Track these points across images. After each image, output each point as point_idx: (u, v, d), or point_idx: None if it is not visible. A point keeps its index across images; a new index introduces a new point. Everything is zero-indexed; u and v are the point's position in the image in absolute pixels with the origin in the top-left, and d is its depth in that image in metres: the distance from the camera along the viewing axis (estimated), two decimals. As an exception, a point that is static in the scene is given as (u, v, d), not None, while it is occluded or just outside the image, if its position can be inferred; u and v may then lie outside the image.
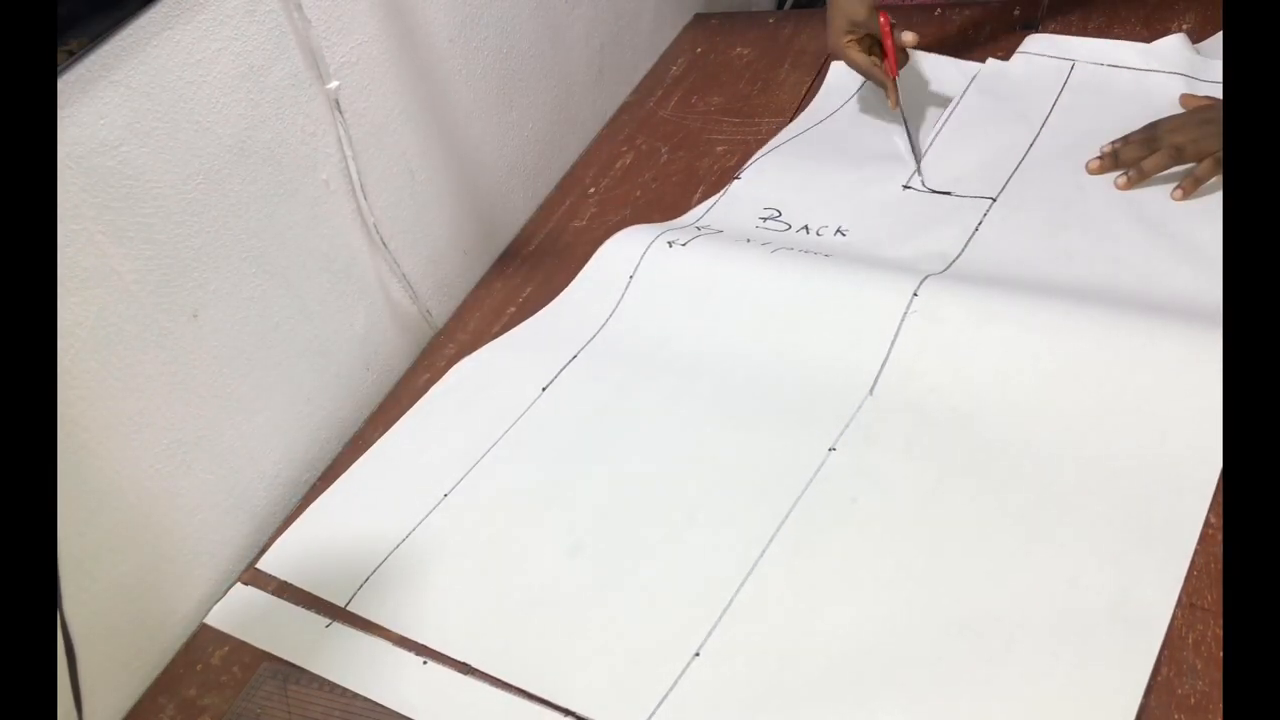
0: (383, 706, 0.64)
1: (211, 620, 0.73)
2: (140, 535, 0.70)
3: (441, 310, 0.96)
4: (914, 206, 0.91)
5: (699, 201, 1.00)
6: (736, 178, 1.01)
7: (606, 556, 0.69)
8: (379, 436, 0.85)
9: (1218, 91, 0.90)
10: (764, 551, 0.66)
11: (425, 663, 0.65)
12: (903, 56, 0.94)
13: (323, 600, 0.71)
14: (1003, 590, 0.60)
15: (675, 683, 0.60)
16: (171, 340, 0.70)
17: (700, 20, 1.32)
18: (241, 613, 0.73)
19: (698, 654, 0.61)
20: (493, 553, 0.71)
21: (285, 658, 0.69)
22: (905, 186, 0.93)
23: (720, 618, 0.63)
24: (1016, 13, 1.12)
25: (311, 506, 0.78)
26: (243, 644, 0.71)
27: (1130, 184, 0.83)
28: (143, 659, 0.71)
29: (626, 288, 0.89)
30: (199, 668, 0.71)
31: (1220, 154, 0.79)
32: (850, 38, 0.94)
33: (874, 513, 0.67)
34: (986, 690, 0.56)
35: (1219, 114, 0.82)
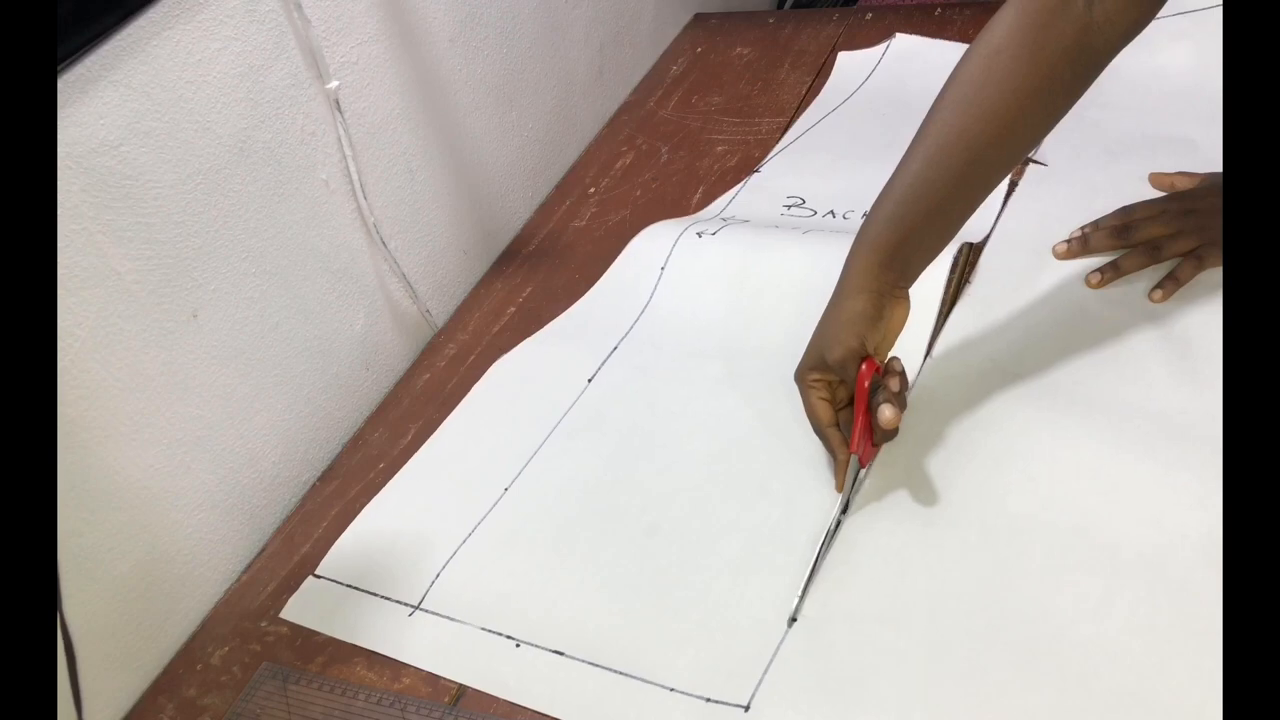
0: (384, 706, 0.64)
1: (287, 614, 0.72)
2: (140, 535, 0.70)
3: (441, 310, 0.96)
4: None
5: (699, 202, 1.00)
6: (756, 171, 1.01)
7: (685, 535, 0.69)
8: (379, 436, 0.85)
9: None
10: (841, 517, 0.66)
11: (518, 645, 0.65)
12: (878, 436, 0.65)
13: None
14: (1100, 528, 0.62)
15: (776, 651, 0.60)
16: (171, 340, 0.70)
17: (700, 20, 1.32)
18: (318, 605, 0.72)
19: (794, 619, 0.62)
20: (566, 541, 0.71)
21: (371, 648, 0.68)
22: None
23: (807, 584, 0.63)
24: (1016, 13, 1.11)
25: (363, 511, 0.77)
26: (243, 644, 0.71)
27: (1104, 282, 0.76)
28: (143, 659, 0.71)
29: (659, 279, 0.89)
30: (199, 668, 0.71)
31: (1202, 250, 0.73)
32: (817, 376, 0.67)
33: (950, 473, 0.67)
34: (1102, 625, 0.57)
35: (1201, 201, 0.76)
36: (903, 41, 1.12)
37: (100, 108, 0.63)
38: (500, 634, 0.66)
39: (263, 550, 0.78)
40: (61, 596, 0.56)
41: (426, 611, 0.69)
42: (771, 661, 0.60)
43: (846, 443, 0.66)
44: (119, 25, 0.64)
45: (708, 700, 0.59)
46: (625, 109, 1.20)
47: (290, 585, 0.74)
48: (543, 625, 0.66)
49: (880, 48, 1.13)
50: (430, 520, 0.75)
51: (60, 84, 0.60)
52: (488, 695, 0.63)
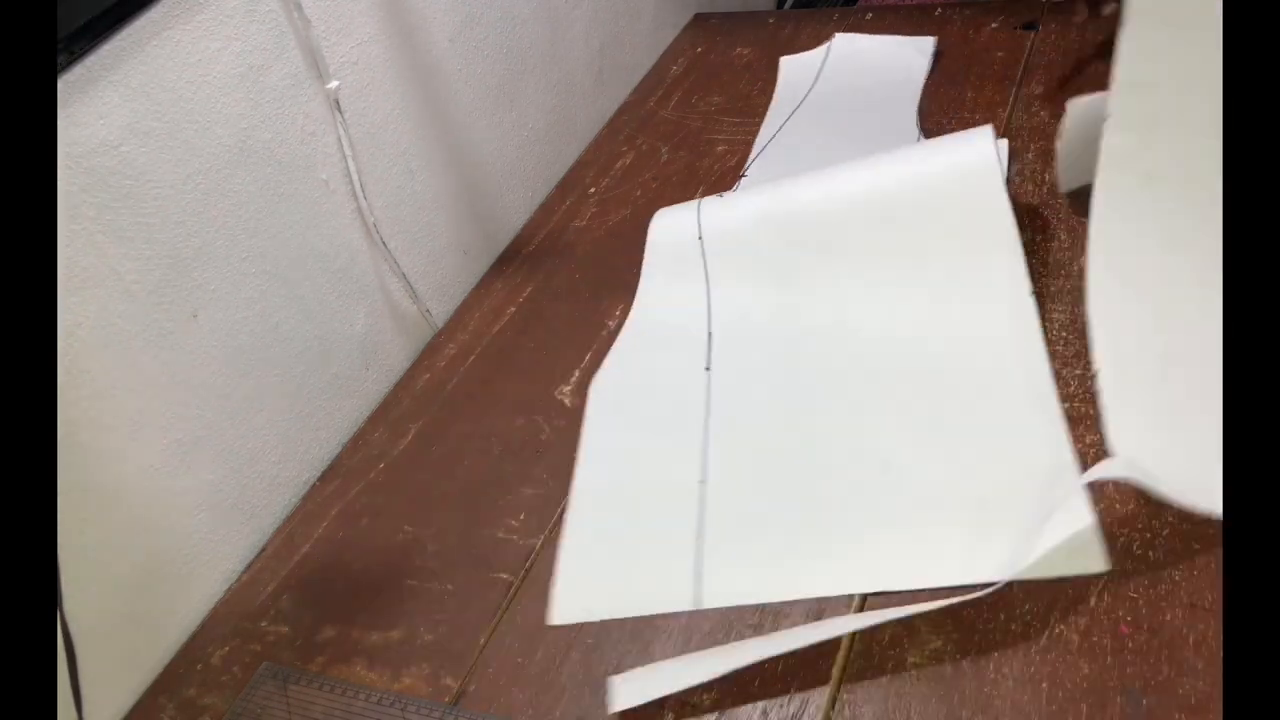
0: (384, 706, 0.64)
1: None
2: (140, 535, 0.70)
3: (441, 310, 0.96)
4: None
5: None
6: (743, 174, 1.01)
7: (918, 463, 0.68)
8: (379, 436, 0.85)
9: None
10: None
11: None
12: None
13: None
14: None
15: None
16: (171, 340, 0.70)
17: (700, 20, 1.32)
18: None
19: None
20: (807, 500, 0.69)
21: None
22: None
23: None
24: (1017, 13, 1.12)
25: (560, 561, 0.70)
26: (243, 644, 0.71)
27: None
28: (143, 659, 0.71)
29: (703, 250, 0.87)
30: (199, 668, 0.71)
31: None
32: None
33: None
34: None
35: None
36: (843, 41, 1.16)
37: (100, 108, 0.63)
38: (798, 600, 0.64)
39: (263, 550, 0.78)
40: (61, 596, 0.56)
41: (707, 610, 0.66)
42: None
43: None
44: (119, 25, 0.64)
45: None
46: (625, 109, 1.20)
47: (290, 585, 0.74)
48: (849, 575, 0.64)
49: (822, 49, 1.16)
50: (644, 542, 0.70)
51: (60, 84, 0.60)
52: (491, 694, 0.63)
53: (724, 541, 0.69)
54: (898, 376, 0.75)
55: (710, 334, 0.83)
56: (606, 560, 0.70)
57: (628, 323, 0.88)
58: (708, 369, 0.81)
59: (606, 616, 0.66)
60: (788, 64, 1.16)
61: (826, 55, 1.15)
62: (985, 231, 0.77)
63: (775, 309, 0.83)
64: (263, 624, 0.72)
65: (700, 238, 0.88)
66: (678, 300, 0.88)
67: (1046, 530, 0.60)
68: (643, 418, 0.79)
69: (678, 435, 0.77)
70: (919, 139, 0.96)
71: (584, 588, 0.69)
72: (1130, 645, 0.56)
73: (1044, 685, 0.55)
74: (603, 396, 0.82)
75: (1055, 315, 0.75)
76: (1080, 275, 0.74)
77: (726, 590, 0.66)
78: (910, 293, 0.79)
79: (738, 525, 0.69)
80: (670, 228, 0.91)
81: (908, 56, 1.09)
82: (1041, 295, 0.77)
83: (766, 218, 0.85)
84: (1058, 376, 0.70)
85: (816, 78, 1.12)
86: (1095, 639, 0.57)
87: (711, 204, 0.89)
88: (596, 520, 0.73)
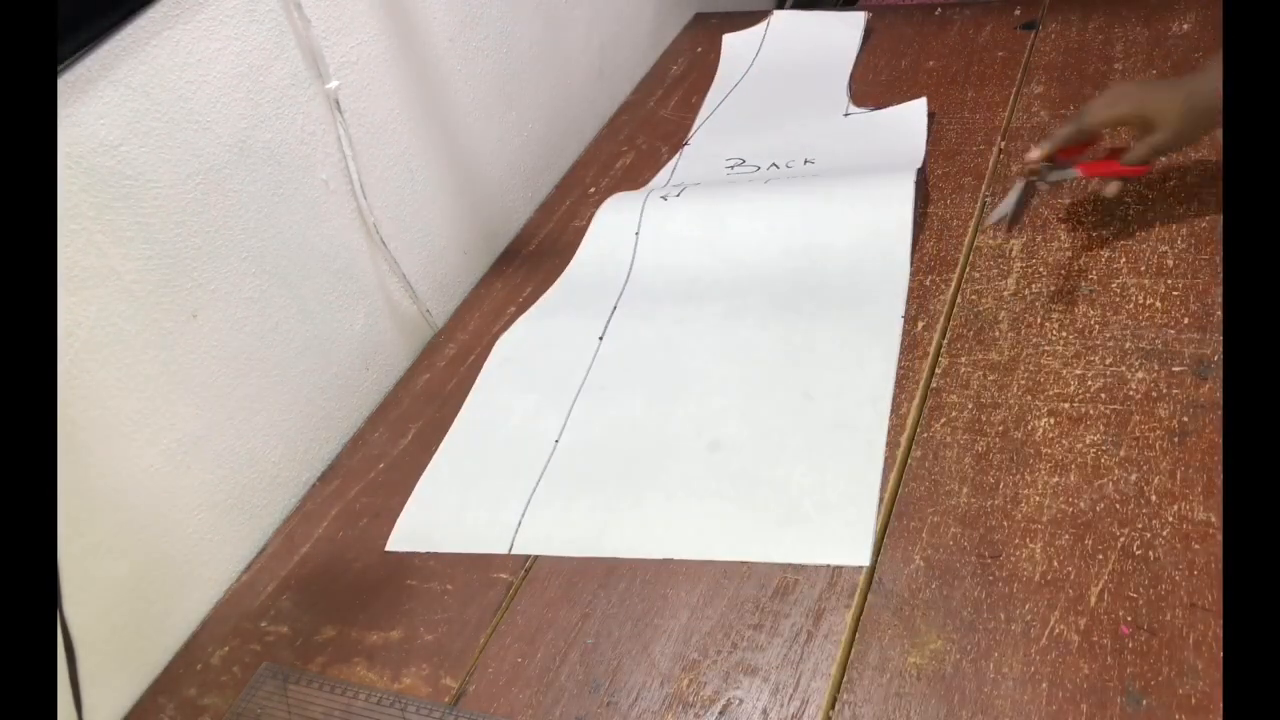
0: (384, 706, 0.64)
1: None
2: (140, 535, 0.70)
3: (441, 310, 0.96)
4: (862, 128, 1.00)
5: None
6: (685, 144, 1.07)
7: (748, 443, 0.74)
8: (379, 436, 0.85)
9: None
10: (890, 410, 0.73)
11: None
12: (1110, 186, 0.77)
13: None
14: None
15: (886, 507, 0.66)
16: (171, 340, 0.70)
17: (700, 20, 1.32)
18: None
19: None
20: (635, 472, 0.74)
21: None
22: (846, 114, 1.03)
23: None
24: (1017, 12, 1.12)
25: (415, 491, 0.78)
26: (243, 644, 0.71)
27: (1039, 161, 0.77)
28: (143, 659, 0.71)
29: (636, 244, 0.93)
30: (199, 668, 0.71)
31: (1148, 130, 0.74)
32: (1133, 102, 0.74)
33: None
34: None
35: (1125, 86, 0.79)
36: (781, 18, 1.22)
37: (100, 108, 0.63)
38: (602, 559, 0.69)
39: (263, 550, 0.78)
40: (61, 596, 0.56)
41: (519, 555, 0.72)
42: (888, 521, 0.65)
43: (1076, 156, 0.78)
44: (119, 25, 0.64)
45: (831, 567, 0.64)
46: (625, 109, 1.20)
47: (290, 585, 0.74)
48: (643, 540, 0.69)
49: (762, 26, 1.22)
50: (484, 488, 0.77)
51: (60, 84, 0.60)
52: (491, 694, 0.63)
53: (554, 497, 0.74)
54: (758, 373, 0.79)
55: (615, 308, 0.89)
56: (452, 500, 0.77)
57: (548, 291, 0.93)
58: (600, 338, 0.86)
59: (436, 549, 0.73)
60: (730, 40, 1.22)
61: (766, 31, 1.21)
62: (882, 269, 0.83)
63: (678, 307, 0.87)
64: (263, 624, 0.72)
65: (637, 233, 0.94)
66: (597, 278, 0.93)
67: (829, 524, 0.67)
68: (532, 374, 0.86)
69: (553, 394, 0.82)
70: (848, 110, 1.04)
71: (424, 521, 0.76)
72: (1130, 645, 0.56)
73: (1044, 685, 0.55)
74: (503, 351, 0.89)
75: (1055, 315, 0.75)
76: (1079, 275, 0.74)
77: (539, 541, 0.72)
78: (797, 315, 0.83)
79: (571, 483, 0.75)
80: (614, 220, 0.96)
81: (839, 31, 1.15)
82: (1041, 295, 0.77)
83: (701, 227, 0.91)
84: (1057, 376, 0.71)
85: (756, 53, 1.18)
86: (1095, 639, 0.57)
87: (655, 205, 0.94)
88: (457, 463, 0.80)
